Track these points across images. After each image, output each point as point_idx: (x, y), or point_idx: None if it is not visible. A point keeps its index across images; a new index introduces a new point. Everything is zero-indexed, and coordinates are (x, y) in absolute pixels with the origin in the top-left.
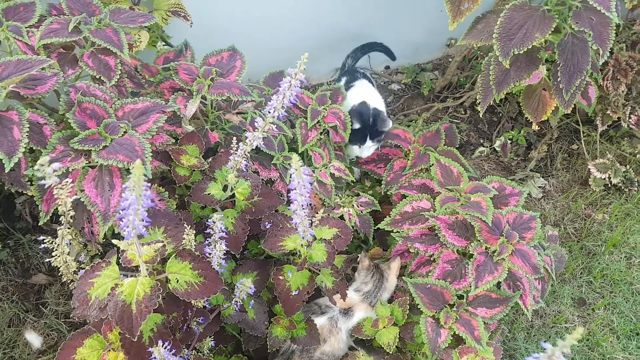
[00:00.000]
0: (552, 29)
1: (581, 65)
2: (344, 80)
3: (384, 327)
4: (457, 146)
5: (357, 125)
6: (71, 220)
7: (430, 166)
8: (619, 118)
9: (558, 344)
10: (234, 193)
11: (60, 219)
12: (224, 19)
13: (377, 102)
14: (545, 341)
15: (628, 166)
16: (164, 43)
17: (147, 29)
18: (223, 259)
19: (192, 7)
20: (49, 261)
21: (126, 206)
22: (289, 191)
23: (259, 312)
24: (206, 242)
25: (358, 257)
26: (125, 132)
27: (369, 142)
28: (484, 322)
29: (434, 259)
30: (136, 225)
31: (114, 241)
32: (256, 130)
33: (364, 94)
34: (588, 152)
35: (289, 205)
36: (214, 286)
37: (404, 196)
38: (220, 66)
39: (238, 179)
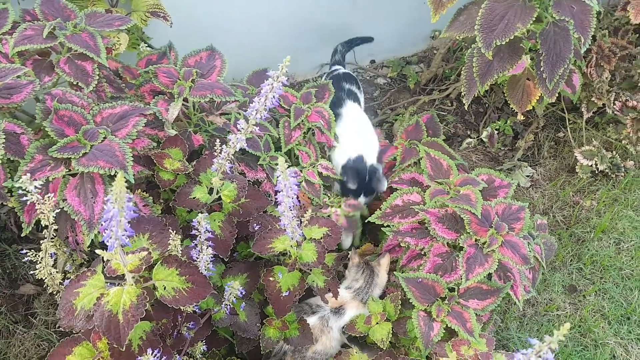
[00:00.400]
0: (534, 19)
1: (564, 54)
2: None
3: (377, 323)
4: (441, 136)
5: (353, 187)
6: (54, 233)
7: (419, 159)
8: (603, 104)
9: (545, 339)
10: (220, 196)
11: (43, 231)
12: (206, 19)
13: (368, 135)
14: (537, 329)
15: (614, 152)
16: (146, 45)
17: (127, 31)
18: (211, 262)
19: (173, 7)
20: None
21: (109, 218)
22: (276, 192)
23: (250, 314)
24: (193, 244)
25: (349, 254)
26: (104, 138)
27: (362, 198)
28: (476, 314)
29: (425, 252)
30: (119, 236)
31: (98, 251)
32: (239, 132)
33: (357, 137)
34: (574, 139)
35: (277, 206)
36: (203, 291)
37: (392, 190)
38: (200, 67)
39: (223, 181)
